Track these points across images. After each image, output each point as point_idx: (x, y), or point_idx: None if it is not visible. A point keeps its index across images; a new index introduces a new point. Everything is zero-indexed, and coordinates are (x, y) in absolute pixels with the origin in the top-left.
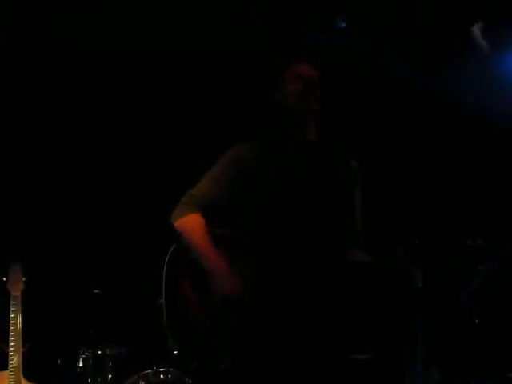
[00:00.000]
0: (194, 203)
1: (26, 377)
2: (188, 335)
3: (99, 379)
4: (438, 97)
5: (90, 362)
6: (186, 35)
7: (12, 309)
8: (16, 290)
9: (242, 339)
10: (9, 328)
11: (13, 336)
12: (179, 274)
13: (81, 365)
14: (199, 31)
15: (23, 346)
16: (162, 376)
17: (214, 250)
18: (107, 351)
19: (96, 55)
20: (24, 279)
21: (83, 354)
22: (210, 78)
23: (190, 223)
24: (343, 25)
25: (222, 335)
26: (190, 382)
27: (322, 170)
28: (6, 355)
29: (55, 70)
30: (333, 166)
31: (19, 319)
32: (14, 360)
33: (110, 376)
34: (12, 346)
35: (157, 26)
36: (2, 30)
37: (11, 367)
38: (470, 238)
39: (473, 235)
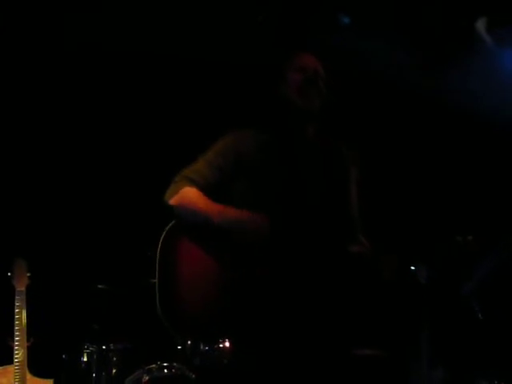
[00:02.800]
0: (187, 182)
1: (31, 371)
2: (185, 315)
3: (103, 374)
4: (442, 96)
5: (95, 356)
6: (191, 38)
7: (17, 304)
8: (21, 285)
9: (246, 318)
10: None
11: (18, 331)
12: (177, 255)
13: (85, 359)
14: (206, 34)
15: (28, 341)
16: (165, 371)
17: (224, 205)
18: (111, 346)
19: (103, 56)
20: (29, 274)
21: (88, 348)
22: (216, 80)
23: (188, 195)
24: (346, 21)
25: (227, 311)
26: (194, 376)
27: (322, 163)
28: (11, 349)
29: (55, 70)
30: (331, 157)
31: (24, 314)
32: (19, 354)
33: (114, 371)
34: (17, 341)
35: (165, 30)
36: (2, 29)
37: (16, 361)
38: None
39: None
